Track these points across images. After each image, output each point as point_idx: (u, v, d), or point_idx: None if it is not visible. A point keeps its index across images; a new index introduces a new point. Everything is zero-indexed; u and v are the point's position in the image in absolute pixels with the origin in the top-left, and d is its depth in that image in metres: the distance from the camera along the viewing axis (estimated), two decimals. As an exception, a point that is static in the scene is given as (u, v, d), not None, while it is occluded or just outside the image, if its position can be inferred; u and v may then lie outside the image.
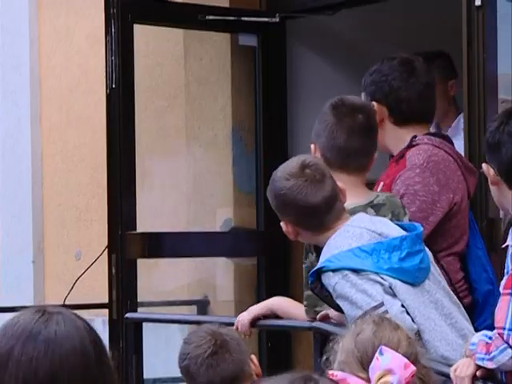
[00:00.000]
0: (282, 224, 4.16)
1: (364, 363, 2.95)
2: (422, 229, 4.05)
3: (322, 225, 4.06)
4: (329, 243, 4.05)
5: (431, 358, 3.52)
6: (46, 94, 8.04)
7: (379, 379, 2.87)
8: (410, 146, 4.40)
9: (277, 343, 6.53)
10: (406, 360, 2.95)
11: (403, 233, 4.06)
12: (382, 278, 3.95)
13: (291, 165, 4.19)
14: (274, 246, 7.00)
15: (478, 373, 3.69)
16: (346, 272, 3.90)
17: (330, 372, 2.84)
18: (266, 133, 7.04)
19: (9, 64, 8.09)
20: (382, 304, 3.91)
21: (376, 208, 4.22)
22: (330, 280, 4.00)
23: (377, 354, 2.91)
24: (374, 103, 4.46)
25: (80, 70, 7.19)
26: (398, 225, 4.09)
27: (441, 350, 3.92)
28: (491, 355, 3.67)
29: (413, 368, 2.91)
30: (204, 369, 4.04)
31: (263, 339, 6.31)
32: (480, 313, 4.40)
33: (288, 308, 4.49)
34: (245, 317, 4.50)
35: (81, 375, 2.38)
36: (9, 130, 8.64)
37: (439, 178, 4.32)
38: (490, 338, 3.76)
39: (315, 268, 4.10)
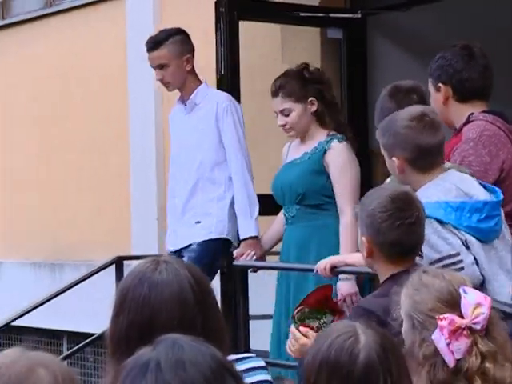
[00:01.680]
0: (393, 159, 4.03)
1: (453, 304, 2.90)
2: (502, 196, 3.98)
3: (429, 166, 4.00)
4: (420, 191, 3.97)
5: (494, 299, 3.43)
6: None
7: (474, 311, 2.85)
8: (467, 122, 4.37)
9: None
10: (483, 294, 2.97)
11: (487, 194, 3.99)
12: (460, 233, 3.90)
13: (413, 110, 4.10)
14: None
15: None
16: (432, 220, 3.81)
17: (441, 316, 2.82)
18: (349, 112, 6.94)
19: (139, 56, 7.76)
20: (458, 254, 3.85)
21: None
22: None
23: (462, 294, 2.91)
24: (441, 85, 4.39)
25: (196, 59, 7.09)
26: (482, 185, 4.02)
27: (502, 299, 3.84)
28: None
29: (490, 299, 2.92)
30: None
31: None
32: None
33: (361, 262, 4.34)
34: (324, 263, 4.47)
35: (178, 319, 2.56)
36: (137, 101, 8.36)
37: (490, 150, 4.26)
38: None
39: None
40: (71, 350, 7.68)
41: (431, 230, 3.83)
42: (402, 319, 2.94)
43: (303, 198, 5.34)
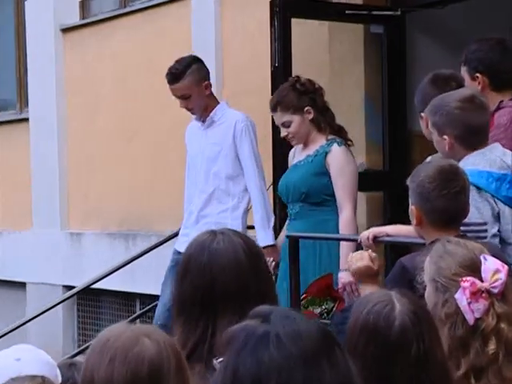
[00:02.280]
0: (443, 137, 3.99)
1: (474, 270, 2.94)
2: None
3: (477, 144, 4.00)
4: (466, 159, 3.97)
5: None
6: (228, 69, 7.93)
7: (493, 276, 2.89)
8: (498, 108, 4.34)
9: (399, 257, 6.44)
10: (501, 262, 2.99)
11: None
12: (495, 203, 3.87)
13: (465, 92, 4.11)
14: (395, 182, 6.64)
15: None
16: (472, 187, 3.77)
17: (464, 279, 2.86)
18: (390, 99, 6.94)
19: (202, 51, 7.71)
20: (485, 223, 3.84)
21: None
22: None
23: (483, 260, 2.94)
24: (478, 74, 4.36)
25: (253, 53, 7.25)
26: None
27: None
28: None
29: (507, 267, 2.97)
30: None
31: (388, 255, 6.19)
32: None
33: (402, 232, 4.32)
34: (367, 233, 4.41)
35: (235, 283, 2.65)
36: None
37: None
38: None
39: None
40: (142, 310, 7.92)
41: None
42: (426, 284, 3.01)
43: (306, 196, 5.35)
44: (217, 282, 2.67)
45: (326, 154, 5.28)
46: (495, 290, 2.89)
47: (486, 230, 3.84)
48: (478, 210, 3.85)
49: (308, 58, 6.78)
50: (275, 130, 5.96)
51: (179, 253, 5.48)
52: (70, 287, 8.44)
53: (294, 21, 6.34)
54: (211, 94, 5.91)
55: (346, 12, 6.59)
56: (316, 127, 5.38)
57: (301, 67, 6.38)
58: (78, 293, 7.99)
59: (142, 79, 8.76)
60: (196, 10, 8.14)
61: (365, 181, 6.70)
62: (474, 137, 3.98)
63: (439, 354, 2.48)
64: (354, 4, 6.79)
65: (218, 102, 5.95)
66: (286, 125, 5.37)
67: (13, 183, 10.47)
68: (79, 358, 5.80)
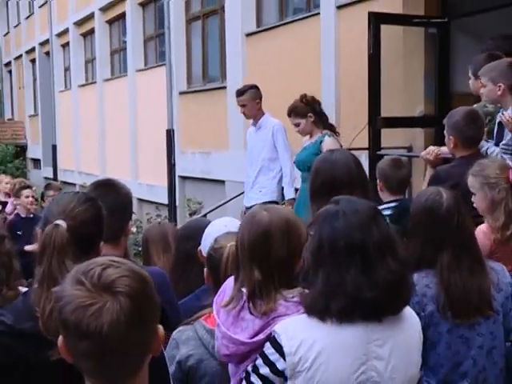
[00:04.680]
0: (497, 85, 3.75)
1: (507, 168, 3.02)
2: None
3: None
4: None
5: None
6: (344, 61, 7.89)
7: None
8: None
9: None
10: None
11: None
12: None
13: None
14: (441, 122, 6.49)
15: None
16: None
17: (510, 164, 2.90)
18: (439, 74, 7.21)
19: (327, 56, 8.10)
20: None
21: None
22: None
23: (510, 163, 3.04)
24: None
25: (357, 48, 7.25)
26: None
27: None
28: None
29: None
30: None
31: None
32: None
33: (445, 151, 4.01)
34: (432, 150, 4.12)
35: (347, 180, 2.59)
36: (327, 82, 8.17)
37: None
38: None
39: None
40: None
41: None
42: (474, 192, 2.99)
43: (309, 167, 4.64)
44: (336, 179, 2.61)
45: (321, 142, 5.27)
46: None
47: None
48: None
49: (389, 49, 6.86)
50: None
51: (247, 208, 5.68)
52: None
53: (382, 26, 6.59)
54: (260, 108, 6.05)
55: (414, 20, 6.91)
56: (315, 126, 5.37)
57: (385, 55, 6.64)
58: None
59: (294, 70, 8.79)
60: (324, 20, 8.28)
61: (424, 121, 7.06)
62: None
63: (468, 223, 2.48)
64: (418, 15, 6.96)
65: (264, 113, 6.09)
66: (297, 125, 5.38)
67: (212, 127, 10.98)
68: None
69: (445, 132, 3.70)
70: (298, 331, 1.79)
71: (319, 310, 1.77)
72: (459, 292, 2.37)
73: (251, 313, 1.87)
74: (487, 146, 3.69)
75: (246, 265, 1.88)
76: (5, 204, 6.93)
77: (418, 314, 2.27)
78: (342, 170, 2.62)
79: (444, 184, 2.95)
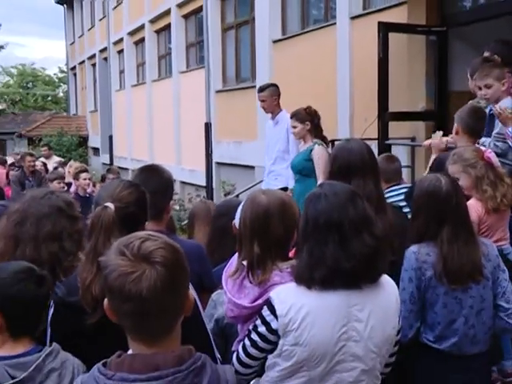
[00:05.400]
0: (501, 82, 3.57)
1: (479, 150, 2.92)
2: None
3: None
4: None
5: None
6: (357, 64, 7.71)
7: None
8: None
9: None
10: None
11: None
12: None
13: None
14: (440, 117, 6.73)
15: None
16: None
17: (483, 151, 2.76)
18: (439, 75, 6.98)
19: (343, 61, 8.00)
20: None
21: None
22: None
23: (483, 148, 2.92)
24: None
25: (369, 53, 7.03)
26: None
27: None
28: None
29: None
30: None
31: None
32: None
33: (450, 140, 3.88)
34: (440, 141, 3.94)
35: (360, 165, 2.54)
36: (342, 81, 7.95)
37: None
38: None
39: None
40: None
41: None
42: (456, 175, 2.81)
43: (300, 170, 5.20)
44: (350, 165, 2.57)
45: (311, 150, 5.16)
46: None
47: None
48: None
49: (396, 54, 6.76)
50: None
51: None
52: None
53: (390, 34, 6.50)
54: (278, 104, 5.84)
55: (417, 29, 6.79)
56: (309, 133, 5.25)
57: (393, 59, 6.55)
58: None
59: (313, 72, 8.63)
60: (339, 30, 8.12)
61: (425, 115, 6.90)
62: None
63: (463, 204, 2.44)
64: (421, 24, 6.80)
65: (281, 110, 5.88)
66: (294, 127, 5.29)
67: (243, 120, 10.58)
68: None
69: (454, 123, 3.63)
70: (288, 297, 1.80)
71: (305, 279, 1.77)
72: (455, 262, 2.34)
73: (250, 282, 1.87)
74: (482, 141, 3.58)
75: (247, 240, 1.86)
76: (70, 185, 6.96)
77: (418, 279, 2.35)
78: (356, 157, 2.57)
79: (445, 167, 2.94)
